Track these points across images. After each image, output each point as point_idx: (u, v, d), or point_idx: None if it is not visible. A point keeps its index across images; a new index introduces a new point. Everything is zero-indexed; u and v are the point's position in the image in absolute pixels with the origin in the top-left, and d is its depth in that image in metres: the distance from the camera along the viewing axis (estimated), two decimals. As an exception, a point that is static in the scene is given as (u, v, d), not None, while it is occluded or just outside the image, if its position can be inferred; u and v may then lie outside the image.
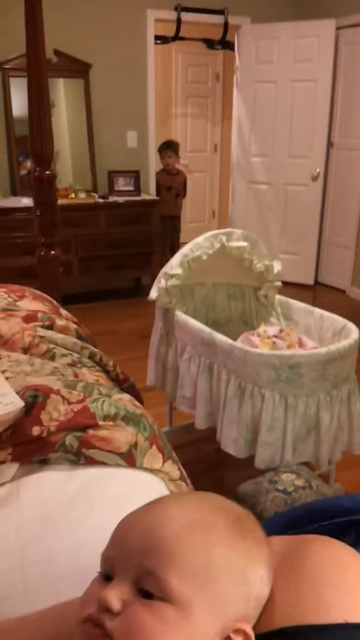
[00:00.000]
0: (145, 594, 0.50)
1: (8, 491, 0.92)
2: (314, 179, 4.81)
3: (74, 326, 1.56)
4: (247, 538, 0.54)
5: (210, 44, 5.02)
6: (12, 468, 0.96)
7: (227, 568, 0.51)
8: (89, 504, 0.90)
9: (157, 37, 4.59)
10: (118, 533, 0.55)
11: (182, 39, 4.74)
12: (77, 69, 4.34)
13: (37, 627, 0.64)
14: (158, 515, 0.54)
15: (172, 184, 4.75)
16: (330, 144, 4.80)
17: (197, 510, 0.55)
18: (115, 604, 0.49)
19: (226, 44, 4.94)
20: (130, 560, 0.51)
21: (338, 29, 4.47)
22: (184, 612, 0.49)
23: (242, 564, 0.52)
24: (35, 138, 1.96)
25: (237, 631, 0.50)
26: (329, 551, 0.56)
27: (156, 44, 4.60)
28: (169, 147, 4.71)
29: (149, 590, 0.50)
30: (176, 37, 4.69)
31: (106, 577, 0.53)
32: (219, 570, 0.51)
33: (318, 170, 4.79)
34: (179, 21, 4.55)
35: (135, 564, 0.51)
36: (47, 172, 2.03)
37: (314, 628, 0.50)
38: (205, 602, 0.49)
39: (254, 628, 0.52)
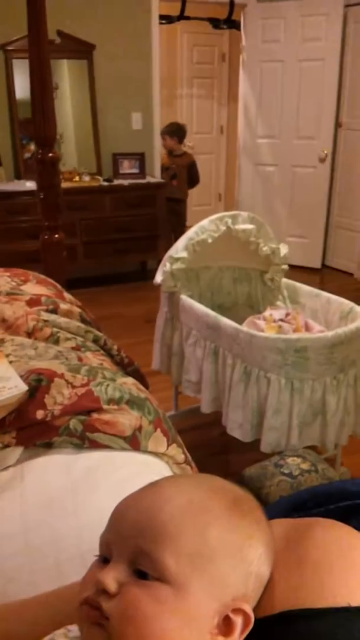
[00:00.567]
0: (141, 575, 0.50)
1: (12, 475, 0.92)
2: (322, 160, 4.76)
3: (78, 310, 1.56)
4: (245, 518, 0.54)
5: (216, 23, 4.94)
6: (17, 452, 0.96)
7: (224, 548, 0.51)
8: (94, 488, 0.90)
9: (161, 17, 4.51)
10: (114, 516, 0.55)
11: (187, 18, 4.66)
12: (81, 50, 4.28)
13: (42, 610, 0.65)
14: (154, 497, 0.54)
15: (170, 165, 4.67)
16: (338, 125, 4.73)
17: (193, 492, 0.55)
18: (111, 585, 0.49)
19: (232, 23, 4.86)
20: (126, 541, 0.51)
21: (346, 6, 4.38)
22: (180, 592, 0.49)
23: (240, 544, 0.52)
24: (38, 119, 1.94)
25: (236, 610, 0.50)
26: (332, 534, 0.56)
27: (161, 23, 4.52)
28: (165, 130, 4.63)
29: (145, 570, 0.50)
30: (181, 17, 4.61)
31: (104, 560, 0.53)
32: (214, 550, 0.51)
33: (326, 152, 4.73)
34: (183, 0, 4.47)
35: (130, 545, 0.51)
36: (50, 154, 2.01)
37: (316, 612, 0.49)
38: (202, 581, 0.49)
39: (255, 611, 0.52)
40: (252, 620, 0.50)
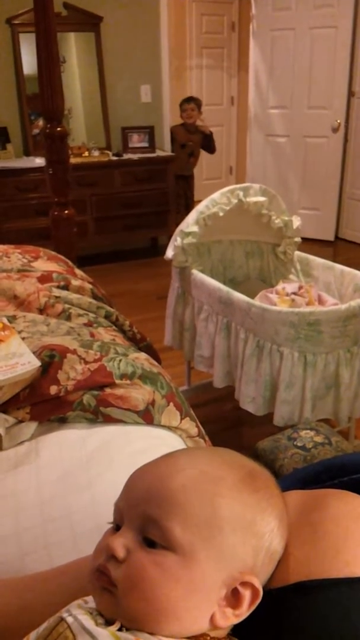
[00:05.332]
0: (149, 543, 0.50)
1: (27, 450, 0.93)
2: (335, 130, 4.66)
3: (89, 286, 1.55)
4: (258, 492, 0.53)
5: (225, -10, 4.82)
6: (31, 427, 0.97)
7: (234, 520, 0.51)
8: (108, 461, 0.91)
9: (169, -15, 4.41)
10: (128, 484, 0.55)
11: (196, -14, 4.55)
12: (88, 22, 4.20)
13: (59, 582, 0.65)
14: (167, 466, 0.54)
15: (187, 142, 4.61)
16: (351, 93, 4.61)
17: (207, 464, 0.54)
18: (120, 551, 0.50)
19: (242, -10, 4.74)
20: (136, 509, 0.52)
21: (359, -31, 4.25)
22: (186, 561, 0.49)
23: (251, 517, 0.52)
24: (46, 93, 1.92)
25: (245, 584, 0.50)
26: (346, 505, 0.55)
27: (169, -8, 4.43)
28: (193, 101, 4.53)
29: (152, 538, 0.50)
30: (189, -16, 4.50)
31: (117, 527, 0.54)
32: (224, 521, 0.50)
33: (338, 121, 4.63)
34: (192, -34, 4.36)
35: (140, 513, 0.51)
36: (59, 128, 1.99)
37: (331, 582, 0.49)
38: (210, 552, 0.49)
39: (269, 582, 0.52)
40: (261, 594, 0.50)
